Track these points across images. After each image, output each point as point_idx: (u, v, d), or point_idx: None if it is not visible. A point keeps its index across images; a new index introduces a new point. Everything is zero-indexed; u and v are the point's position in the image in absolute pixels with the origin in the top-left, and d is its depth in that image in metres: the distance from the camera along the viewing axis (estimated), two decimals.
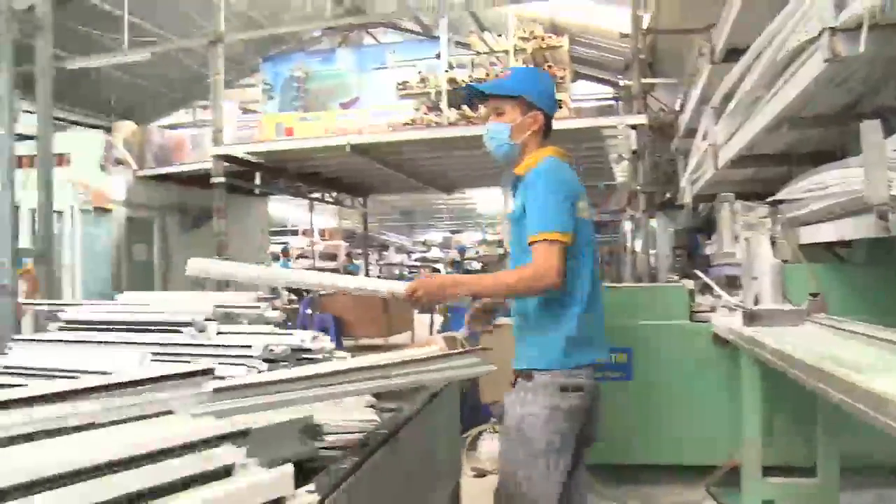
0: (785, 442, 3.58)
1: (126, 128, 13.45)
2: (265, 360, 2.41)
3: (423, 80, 11.80)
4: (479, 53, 11.98)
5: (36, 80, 6.25)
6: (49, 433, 1.02)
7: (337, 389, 1.58)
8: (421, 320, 11.99)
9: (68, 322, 2.87)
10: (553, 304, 2.71)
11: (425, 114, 11.47)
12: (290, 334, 2.64)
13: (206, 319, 2.70)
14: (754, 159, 5.02)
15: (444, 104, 10.63)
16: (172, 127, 17.02)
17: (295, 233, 23.67)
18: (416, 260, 26.20)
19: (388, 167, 11.33)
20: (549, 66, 10.53)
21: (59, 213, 10.24)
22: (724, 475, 3.86)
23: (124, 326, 2.77)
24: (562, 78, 10.46)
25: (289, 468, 1.04)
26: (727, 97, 4.77)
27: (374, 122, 12.66)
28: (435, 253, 27.07)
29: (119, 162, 12.60)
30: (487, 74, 10.39)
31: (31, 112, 8.99)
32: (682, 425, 4.05)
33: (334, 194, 13.99)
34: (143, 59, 12.38)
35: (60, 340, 2.80)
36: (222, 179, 10.35)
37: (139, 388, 1.20)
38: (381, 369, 1.77)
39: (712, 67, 5.52)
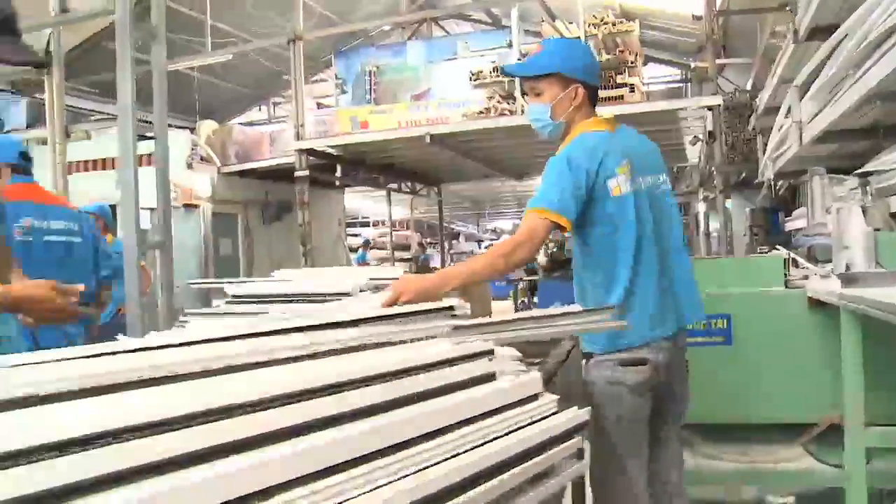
0: (883, 399, 3.77)
1: (208, 126, 13.98)
2: None
3: (495, 70, 12.06)
4: None
5: (154, 84, 6.68)
6: (355, 349, 1.34)
7: (521, 333, 1.87)
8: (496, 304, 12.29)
9: (234, 297, 3.23)
10: (597, 289, 2.70)
11: (499, 102, 11.74)
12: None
13: (361, 291, 3.02)
14: (839, 134, 5.18)
15: (517, 92, 10.87)
16: (249, 124, 17.58)
17: (366, 224, 24.13)
18: (486, 248, 26.54)
19: (463, 156, 11.63)
20: (621, 51, 10.71)
21: (151, 209, 10.75)
22: (820, 433, 4.07)
23: (287, 298, 3.10)
24: (633, 62, 10.63)
25: (537, 373, 1.34)
26: (812, 75, 4.94)
27: (446, 112, 12.98)
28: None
29: (203, 160, 13.12)
30: None
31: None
32: (780, 385, 4.26)
33: (409, 185, 14.34)
34: (225, 60, 12.88)
35: (230, 313, 3.15)
36: (306, 173, 10.72)
37: (406, 319, 1.52)
38: (540, 319, 2.05)
39: (795, 46, 5.68)
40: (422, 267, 18.72)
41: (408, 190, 14.57)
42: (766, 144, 7.47)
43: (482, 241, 28.95)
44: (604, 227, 2.65)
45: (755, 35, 9.73)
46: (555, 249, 12.38)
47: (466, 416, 1.13)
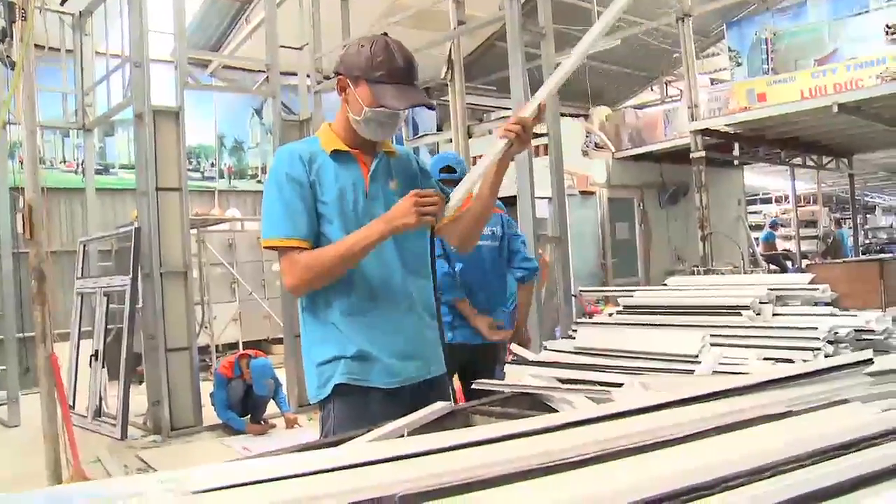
0: None
1: (601, 112, 14.09)
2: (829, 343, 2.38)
3: None
4: None
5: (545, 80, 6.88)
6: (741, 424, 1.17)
7: None
8: None
9: (626, 307, 3.13)
10: None
11: None
12: (854, 315, 2.59)
13: (762, 302, 2.75)
14: None
15: None
16: (642, 106, 17.40)
17: (767, 201, 22.77)
18: None
19: (878, 123, 10.45)
20: None
21: (548, 199, 11.11)
22: None
23: (680, 310, 2.92)
24: None
25: None
26: None
27: (857, 75, 11.71)
28: None
29: (598, 146, 13.26)
30: None
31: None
32: None
33: (815, 158, 13.25)
34: (614, 45, 12.78)
35: (620, 323, 3.06)
36: (702, 154, 10.33)
37: (813, 378, 1.31)
38: None
39: None
40: (832, 246, 17.21)
41: (813, 164, 13.47)
42: None
43: None
44: None
45: None
46: None
47: None
